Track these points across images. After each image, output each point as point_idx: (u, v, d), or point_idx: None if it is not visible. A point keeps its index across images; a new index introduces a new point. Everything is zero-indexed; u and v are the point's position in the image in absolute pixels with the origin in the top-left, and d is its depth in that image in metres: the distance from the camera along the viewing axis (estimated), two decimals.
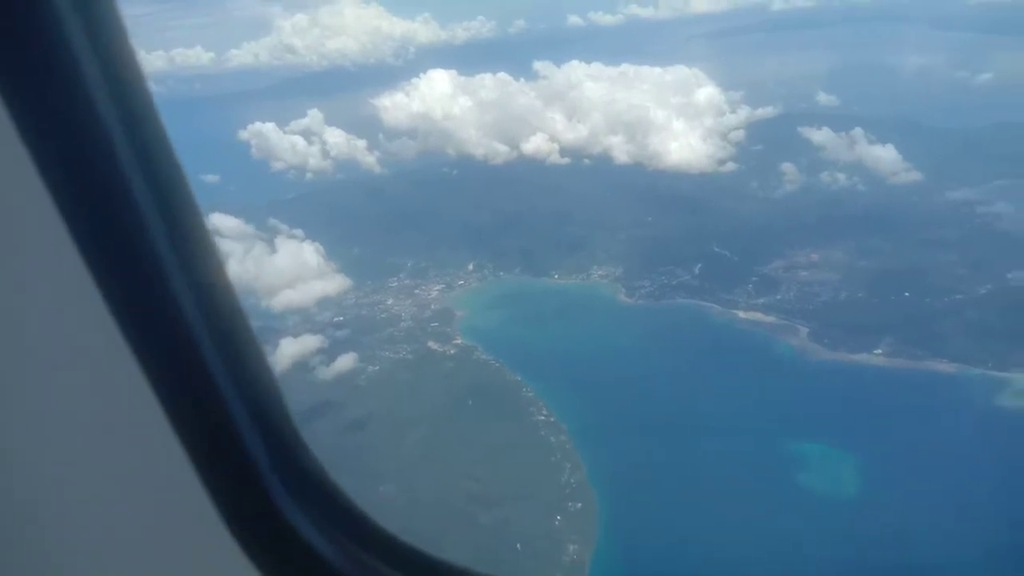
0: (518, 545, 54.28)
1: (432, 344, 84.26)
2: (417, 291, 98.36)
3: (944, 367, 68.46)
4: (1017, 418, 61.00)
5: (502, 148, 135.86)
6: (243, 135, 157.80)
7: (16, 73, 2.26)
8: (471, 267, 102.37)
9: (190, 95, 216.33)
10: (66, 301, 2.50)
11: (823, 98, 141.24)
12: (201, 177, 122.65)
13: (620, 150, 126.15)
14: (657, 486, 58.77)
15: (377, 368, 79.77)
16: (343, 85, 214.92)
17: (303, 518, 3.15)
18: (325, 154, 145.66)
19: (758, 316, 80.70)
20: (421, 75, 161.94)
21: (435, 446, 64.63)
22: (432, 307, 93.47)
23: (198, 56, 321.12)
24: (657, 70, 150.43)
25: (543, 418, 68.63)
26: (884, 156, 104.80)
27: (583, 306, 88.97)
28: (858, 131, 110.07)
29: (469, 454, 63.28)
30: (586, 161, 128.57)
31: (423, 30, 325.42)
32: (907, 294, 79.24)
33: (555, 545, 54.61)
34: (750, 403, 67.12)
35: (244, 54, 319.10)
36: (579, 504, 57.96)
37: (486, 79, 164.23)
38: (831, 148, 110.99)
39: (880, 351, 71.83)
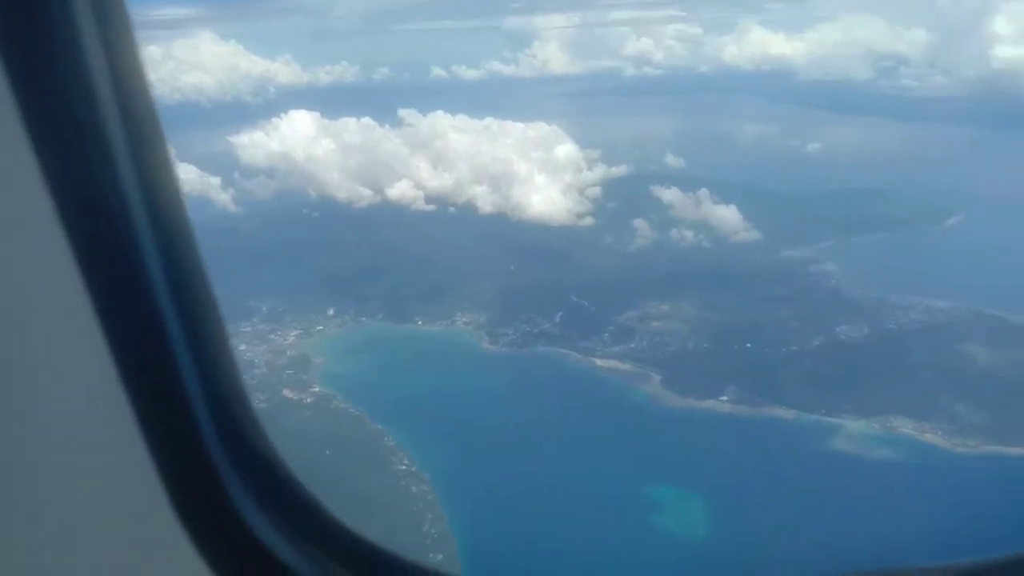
0: None
1: (287, 392, 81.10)
2: (272, 336, 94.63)
3: (783, 413, 73.22)
4: (849, 461, 65.94)
5: (366, 192, 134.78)
6: None
7: (29, 75, 2.31)
8: (331, 312, 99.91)
9: None
10: (50, 288, 2.50)
11: (672, 160, 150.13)
12: None
13: (484, 200, 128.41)
14: (518, 532, 58.65)
15: None
16: (197, 121, 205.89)
17: (262, 518, 3.14)
18: None
19: (614, 364, 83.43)
20: (282, 115, 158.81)
21: None
22: (288, 353, 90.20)
23: None
24: (520, 125, 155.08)
25: (404, 468, 67.35)
26: (727, 216, 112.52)
27: (447, 353, 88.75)
28: (704, 192, 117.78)
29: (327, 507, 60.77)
30: (451, 209, 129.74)
31: (284, 70, 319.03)
32: (749, 345, 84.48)
33: None
34: (608, 448, 68.78)
35: None
36: (440, 555, 56.80)
37: (350, 123, 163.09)
38: (679, 207, 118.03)
39: (726, 398, 75.93)
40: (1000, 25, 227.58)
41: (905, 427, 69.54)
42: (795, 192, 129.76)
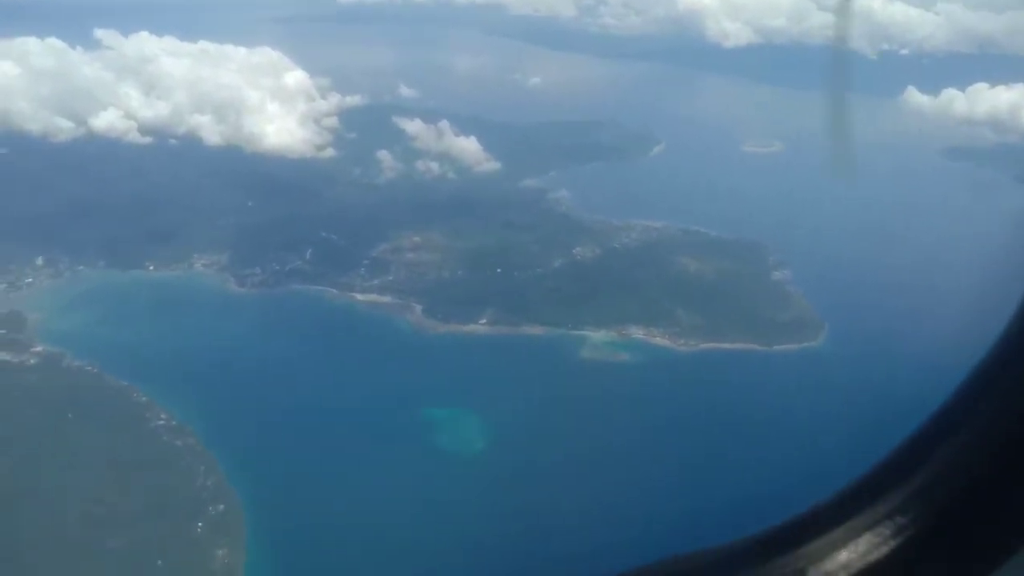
0: (159, 562, 49.34)
1: (5, 355, 71.03)
2: None
3: (536, 330, 78.98)
4: (595, 367, 73.36)
5: (66, 124, 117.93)
6: None
7: None
8: (40, 262, 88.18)
9: None
10: None
11: (405, 91, 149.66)
12: None
13: (210, 131, 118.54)
14: (300, 473, 57.96)
15: None
16: None
17: None
18: None
19: (375, 297, 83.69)
20: None
21: (34, 472, 54.99)
22: None
23: None
24: (242, 50, 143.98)
25: (163, 422, 62.71)
26: (468, 147, 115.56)
27: (189, 298, 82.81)
28: (445, 123, 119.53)
29: (82, 474, 55.20)
30: (172, 141, 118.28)
31: None
32: (499, 270, 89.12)
33: (201, 553, 50.82)
34: (378, 379, 69.62)
35: None
36: (221, 506, 54.58)
37: (31, 44, 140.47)
38: (423, 138, 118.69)
39: (484, 320, 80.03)
40: None
41: (638, 333, 78.54)
42: (524, 124, 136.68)
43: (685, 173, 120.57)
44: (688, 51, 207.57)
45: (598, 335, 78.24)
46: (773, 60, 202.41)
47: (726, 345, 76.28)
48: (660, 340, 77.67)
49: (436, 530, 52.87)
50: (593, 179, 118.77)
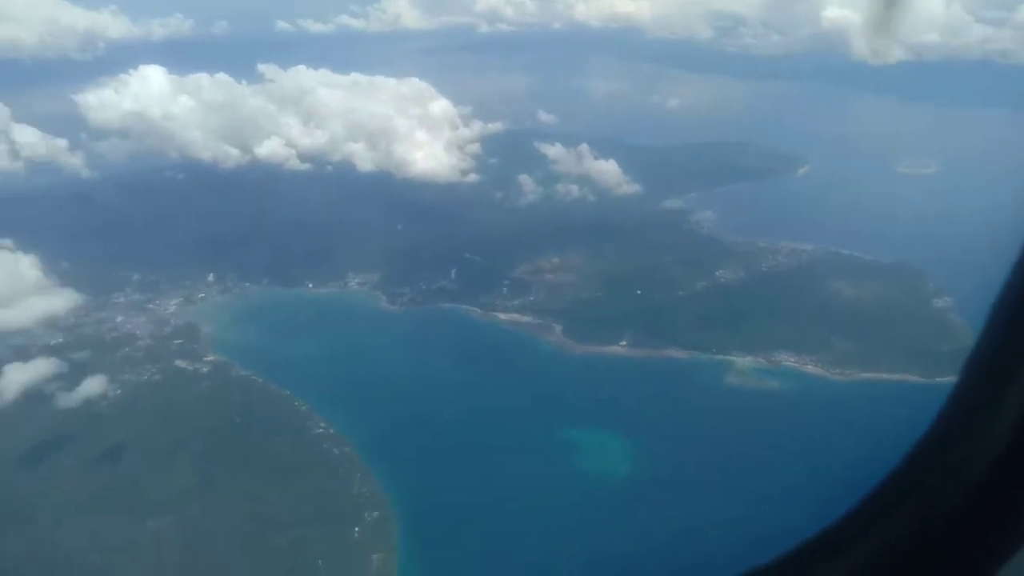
0: (320, 562, 51.95)
1: (180, 363, 77.26)
2: (151, 306, 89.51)
3: (678, 354, 77.56)
4: (742, 395, 71.10)
5: (233, 151, 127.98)
6: None
7: None
8: (211, 279, 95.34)
9: None
10: None
11: (544, 116, 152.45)
12: None
13: (363, 157, 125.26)
14: (449, 485, 59.46)
15: (120, 392, 71.25)
16: (23, 79, 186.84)
17: None
18: (15, 154, 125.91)
19: (516, 317, 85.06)
20: (131, 71, 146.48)
21: (209, 471, 59.38)
22: (172, 323, 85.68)
23: None
24: (392, 81, 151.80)
25: (322, 431, 66.14)
26: (608, 170, 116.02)
27: (345, 314, 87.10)
28: (584, 147, 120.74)
29: (250, 476, 59.06)
30: (328, 167, 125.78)
31: (112, 23, 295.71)
32: (639, 292, 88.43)
33: (358, 556, 53.05)
34: (521, 397, 70.54)
35: None
36: (376, 512, 56.83)
37: (203, 79, 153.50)
38: (562, 162, 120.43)
39: (624, 342, 79.44)
40: None
41: (788, 360, 75.51)
42: (663, 146, 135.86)
43: (834, 194, 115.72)
44: (833, 70, 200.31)
45: (744, 361, 75.94)
46: (925, 77, 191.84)
47: (884, 375, 72.01)
48: (812, 368, 74.39)
49: (578, 550, 52.79)
50: (736, 200, 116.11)
